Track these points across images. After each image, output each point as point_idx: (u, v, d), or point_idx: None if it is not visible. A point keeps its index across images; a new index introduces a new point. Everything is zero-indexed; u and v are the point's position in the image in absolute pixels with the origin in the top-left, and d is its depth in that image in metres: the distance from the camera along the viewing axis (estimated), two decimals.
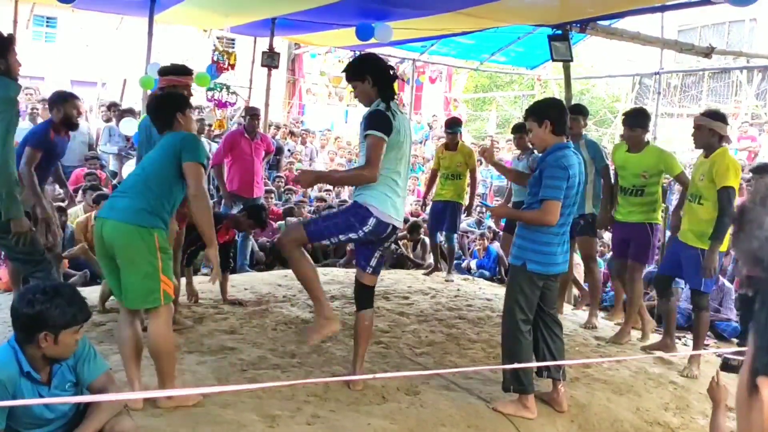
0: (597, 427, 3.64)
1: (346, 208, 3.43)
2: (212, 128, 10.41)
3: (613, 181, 5.19)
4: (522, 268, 3.44)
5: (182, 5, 7.65)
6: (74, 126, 4.74)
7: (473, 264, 8.70)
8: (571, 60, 7.50)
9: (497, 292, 6.34)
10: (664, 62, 9.91)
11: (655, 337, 5.23)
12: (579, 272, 6.81)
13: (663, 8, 7.19)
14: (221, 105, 10.16)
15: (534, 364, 3.54)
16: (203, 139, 8.01)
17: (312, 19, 8.01)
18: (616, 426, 3.68)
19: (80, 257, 6.09)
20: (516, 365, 3.29)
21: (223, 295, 5.11)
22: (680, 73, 17.26)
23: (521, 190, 5.70)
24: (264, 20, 8.53)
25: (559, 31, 7.20)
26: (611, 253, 6.08)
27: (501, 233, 7.15)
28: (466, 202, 6.87)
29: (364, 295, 3.54)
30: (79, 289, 3.47)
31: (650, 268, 6.44)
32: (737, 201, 4.40)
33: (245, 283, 5.89)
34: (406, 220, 7.26)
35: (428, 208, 7.41)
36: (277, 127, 12.44)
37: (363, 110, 3.47)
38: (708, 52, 7.90)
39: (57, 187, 6.02)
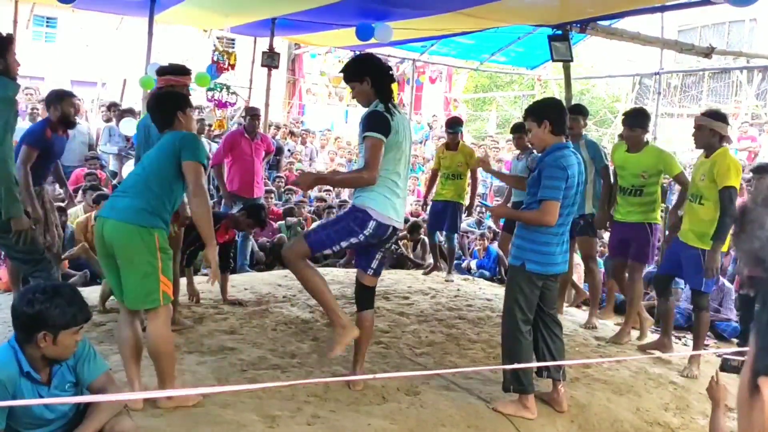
0: (597, 428, 3.64)
1: (345, 213, 3.41)
2: (212, 128, 10.41)
3: (612, 181, 5.19)
4: (521, 268, 3.44)
5: (182, 5, 7.65)
6: (72, 124, 4.74)
7: (473, 264, 8.70)
8: (571, 60, 7.51)
9: (497, 292, 6.34)
10: (664, 62, 9.90)
11: (653, 337, 5.23)
12: (579, 272, 6.82)
13: (663, 8, 7.19)
14: (221, 105, 10.16)
15: (534, 365, 3.54)
16: (203, 139, 8.02)
17: (312, 19, 8.01)
18: (616, 426, 3.68)
19: (81, 257, 6.10)
20: (516, 365, 3.29)
21: (223, 296, 5.11)
22: (680, 73, 17.26)
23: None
24: (264, 20, 8.53)
25: (559, 32, 7.21)
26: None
27: (501, 233, 7.14)
28: (466, 202, 6.87)
29: (364, 296, 3.54)
30: (79, 289, 3.46)
31: (650, 268, 6.45)
32: (738, 201, 4.40)
33: (245, 283, 5.89)
34: (406, 220, 7.25)
35: (429, 208, 7.41)
36: (277, 127, 12.43)
37: (363, 110, 3.46)
38: (708, 53, 7.90)
39: (57, 187, 6.02)
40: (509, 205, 6.17)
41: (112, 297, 4.03)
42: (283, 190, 9.72)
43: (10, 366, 2.33)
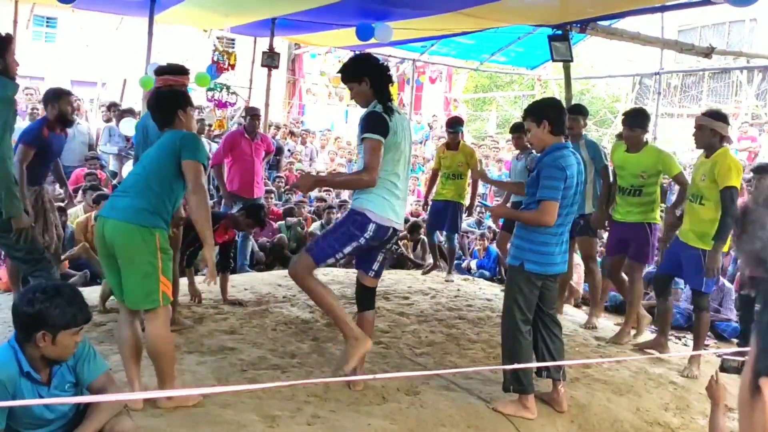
0: (597, 428, 3.64)
1: (344, 218, 3.38)
2: (212, 128, 10.41)
3: (611, 180, 5.19)
4: (520, 268, 3.44)
5: (182, 5, 7.66)
6: (69, 122, 4.74)
7: (473, 264, 8.71)
8: (571, 60, 7.51)
9: (497, 293, 6.34)
10: (664, 62, 9.92)
11: (650, 335, 5.23)
12: (579, 272, 6.81)
13: (663, 8, 7.20)
14: (221, 105, 10.16)
15: (534, 365, 3.54)
16: (203, 139, 8.01)
17: (312, 19, 8.01)
18: (616, 426, 3.68)
19: (81, 257, 6.10)
20: (516, 365, 3.29)
21: (223, 296, 5.11)
22: (680, 73, 17.28)
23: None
24: (264, 20, 8.53)
25: (559, 32, 7.21)
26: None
27: (499, 231, 7.14)
28: (466, 202, 6.86)
29: (365, 297, 3.54)
30: (80, 289, 3.46)
31: (650, 268, 6.45)
32: (739, 201, 4.40)
33: (245, 283, 5.89)
34: (406, 220, 7.26)
35: (429, 208, 7.40)
36: (277, 127, 12.43)
37: (363, 111, 3.46)
38: (708, 53, 7.90)
39: (57, 187, 6.02)
40: (508, 204, 6.16)
41: (112, 297, 4.03)
42: (283, 190, 9.72)
43: (10, 366, 2.33)
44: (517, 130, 6.19)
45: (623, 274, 5.23)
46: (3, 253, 4.97)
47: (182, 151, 3.03)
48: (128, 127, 8.22)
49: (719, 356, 4.98)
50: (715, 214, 4.25)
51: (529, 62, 11.20)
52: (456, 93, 19.72)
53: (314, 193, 9.72)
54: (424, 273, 7.07)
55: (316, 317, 4.91)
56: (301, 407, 3.22)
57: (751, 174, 6.84)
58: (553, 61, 7.74)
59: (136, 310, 3.14)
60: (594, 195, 5.31)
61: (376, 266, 3.47)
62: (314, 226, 8.45)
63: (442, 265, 7.19)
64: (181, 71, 4.23)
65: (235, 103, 10.65)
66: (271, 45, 9.08)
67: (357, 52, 8.65)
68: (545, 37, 7.47)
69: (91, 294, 4.50)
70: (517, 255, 3.48)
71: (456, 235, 6.99)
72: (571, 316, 5.82)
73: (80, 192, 6.96)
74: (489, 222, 9.26)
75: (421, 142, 14.98)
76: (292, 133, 13.07)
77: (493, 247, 8.44)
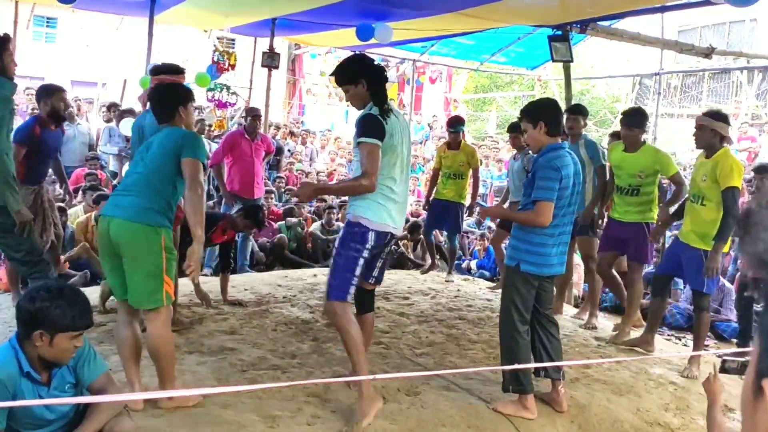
0: (597, 428, 3.64)
1: (343, 236, 3.24)
2: (212, 128, 10.41)
3: (609, 180, 5.20)
4: (516, 268, 3.44)
5: (182, 5, 7.66)
6: (62, 118, 4.73)
7: (473, 264, 8.71)
8: (572, 60, 7.51)
9: (497, 293, 6.33)
10: (664, 63, 9.92)
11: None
12: (579, 272, 6.82)
13: (663, 9, 7.19)
14: (221, 105, 10.16)
15: (533, 365, 3.54)
16: (203, 139, 8.01)
17: (312, 19, 8.01)
18: (617, 426, 3.68)
19: (81, 257, 6.09)
20: (515, 366, 3.29)
21: (223, 296, 5.11)
22: (680, 73, 17.28)
23: (518, 190, 5.71)
24: (264, 20, 8.53)
25: (560, 32, 7.21)
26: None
27: (495, 229, 7.13)
28: (467, 202, 6.86)
29: (365, 300, 3.53)
30: (80, 289, 3.46)
31: (649, 268, 6.45)
32: (739, 201, 4.40)
33: (245, 283, 5.89)
34: (406, 221, 7.26)
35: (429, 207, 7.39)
36: (277, 128, 12.43)
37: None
38: (708, 53, 7.90)
39: (57, 187, 6.02)
40: (506, 205, 6.15)
41: (112, 297, 4.03)
42: (283, 190, 9.72)
43: (10, 365, 2.33)
44: (514, 129, 6.19)
45: (614, 271, 5.24)
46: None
47: (183, 149, 3.03)
48: (128, 127, 8.20)
49: (719, 356, 4.97)
50: (716, 214, 4.25)
51: (529, 62, 11.19)
52: (456, 93, 19.73)
53: None
54: (422, 273, 7.07)
55: (316, 317, 4.91)
56: (301, 407, 3.22)
57: (752, 174, 6.84)
58: (553, 61, 7.74)
59: (135, 311, 3.13)
60: (593, 195, 5.31)
61: (376, 272, 3.43)
62: (314, 227, 8.45)
63: (440, 265, 7.18)
64: (176, 71, 4.22)
65: (235, 104, 10.65)
66: (271, 45, 9.08)
67: (356, 53, 8.66)
68: (545, 38, 7.47)
69: (92, 294, 4.48)
70: (513, 256, 3.48)
71: (457, 235, 6.99)
72: (571, 317, 5.81)
73: (80, 192, 6.96)
74: (489, 222, 9.26)
75: (421, 143, 14.98)
76: (292, 134, 13.07)
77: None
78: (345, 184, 3.94)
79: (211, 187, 8.34)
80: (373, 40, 7.96)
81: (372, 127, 3.11)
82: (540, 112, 3.48)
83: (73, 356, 2.42)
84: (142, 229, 2.93)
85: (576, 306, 6.49)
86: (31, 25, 13.94)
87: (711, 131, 4.32)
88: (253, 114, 6.95)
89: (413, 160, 9.77)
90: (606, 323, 5.70)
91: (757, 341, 0.73)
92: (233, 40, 12.09)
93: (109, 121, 9.18)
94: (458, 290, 6.42)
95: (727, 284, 7.11)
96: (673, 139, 14.72)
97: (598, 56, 20.61)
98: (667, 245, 6.45)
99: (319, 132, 14.48)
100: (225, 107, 10.36)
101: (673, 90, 18.41)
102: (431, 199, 6.83)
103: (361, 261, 3.19)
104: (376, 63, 3.44)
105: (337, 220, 8.38)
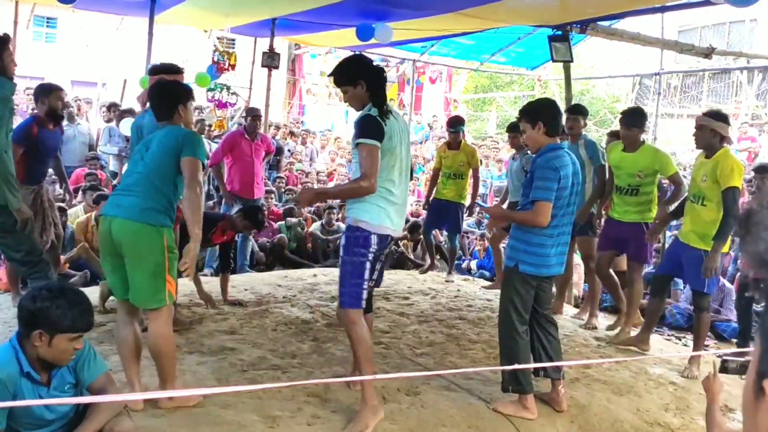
0: (597, 428, 3.64)
1: (346, 243, 3.20)
2: (212, 128, 10.41)
3: (607, 179, 5.20)
4: (515, 269, 3.45)
5: (182, 5, 7.65)
6: (60, 117, 4.72)
7: (473, 264, 8.71)
8: (572, 60, 7.51)
9: (497, 293, 6.32)
10: (664, 63, 9.91)
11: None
12: (579, 272, 6.82)
13: (663, 9, 7.19)
14: (221, 105, 10.16)
15: (532, 365, 3.54)
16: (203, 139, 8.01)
17: (312, 19, 8.01)
18: (617, 426, 3.68)
19: (81, 257, 6.09)
20: (515, 366, 3.29)
21: (223, 296, 5.10)
22: (680, 73, 17.28)
23: (517, 190, 5.71)
24: (264, 20, 8.53)
25: (560, 32, 7.21)
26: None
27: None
28: (466, 202, 6.86)
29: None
30: (80, 289, 3.46)
31: (649, 268, 6.45)
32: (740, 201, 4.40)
33: (245, 283, 5.89)
34: (406, 221, 7.26)
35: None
36: (277, 128, 12.43)
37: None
38: (708, 53, 7.90)
39: (57, 187, 6.02)
40: (505, 205, 6.15)
41: (111, 297, 4.03)
42: (283, 190, 9.72)
43: (10, 365, 2.33)
44: (513, 129, 6.19)
45: (611, 271, 5.24)
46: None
47: (183, 147, 3.02)
48: (128, 127, 8.19)
49: (719, 356, 4.97)
50: (716, 214, 4.25)
51: (529, 63, 11.19)
52: (456, 93, 19.72)
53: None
54: (421, 273, 7.07)
55: (316, 317, 4.91)
56: (301, 407, 3.22)
57: (752, 174, 6.84)
58: (553, 61, 7.74)
59: (135, 311, 3.14)
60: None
61: (375, 275, 3.42)
62: (314, 227, 8.45)
63: (439, 265, 7.18)
64: (174, 70, 4.21)
65: (235, 104, 10.65)
66: (271, 45, 9.08)
67: (355, 53, 8.66)
68: (545, 38, 7.47)
69: (91, 294, 4.47)
70: (512, 256, 3.49)
71: (458, 235, 6.99)
72: (571, 317, 5.81)
73: (80, 192, 6.96)
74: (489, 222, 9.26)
75: (421, 143, 14.99)
76: (292, 134, 13.08)
77: None
78: (344, 187, 3.86)
79: (211, 187, 8.35)
80: (373, 40, 7.96)
81: (371, 128, 3.08)
82: (538, 112, 3.48)
83: (72, 358, 2.42)
84: (145, 229, 2.93)
85: (576, 306, 6.49)
86: (31, 25, 13.93)
87: (711, 131, 4.32)
88: (253, 114, 6.95)
89: (413, 160, 9.78)
90: (606, 323, 5.69)
91: (758, 342, 0.73)
92: (233, 40, 12.09)
93: (109, 121, 9.18)
94: (458, 290, 6.42)
95: (727, 284, 7.11)
96: (673, 139, 14.72)
97: (598, 56, 20.61)
98: (667, 245, 6.46)
99: (319, 132, 14.48)
100: (225, 107, 10.36)
101: (673, 90, 18.42)
102: (431, 198, 6.83)
103: (368, 265, 3.16)
104: (375, 64, 3.41)
105: (337, 220, 8.38)
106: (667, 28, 9.18)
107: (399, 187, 3.22)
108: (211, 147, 8.37)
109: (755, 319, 5.76)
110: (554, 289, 5.13)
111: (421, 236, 8.05)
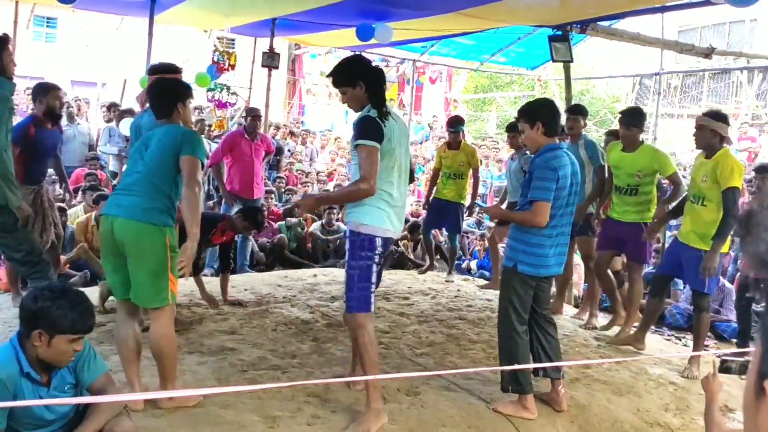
0: (597, 428, 3.64)
1: (350, 248, 3.17)
2: (212, 128, 10.41)
3: (606, 179, 5.20)
4: (513, 269, 3.45)
5: (182, 5, 7.65)
6: (58, 117, 4.71)
7: (473, 264, 8.71)
8: (572, 60, 7.51)
9: (497, 293, 6.32)
10: (664, 63, 9.91)
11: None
12: (579, 272, 6.81)
13: (663, 9, 7.19)
14: (221, 105, 10.15)
15: (532, 366, 3.54)
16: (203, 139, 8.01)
17: (312, 19, 8.01)
18: (617, 426, 3.68)
19: (81, 257, 6.09)
20: (514, 366, 3.29)
21: (223, 296, 5.10)
22: (680, 73, 17.28)
23: (516, 190, 5.71)
24: (264, 21, 8.53)
25: (560, 32, 7.21)
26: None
27: (494, 227, 7.12)
28: (466, 202, 6.86)
29: None
30: (80, 289, 3.46)
31: (649, 268, 6.45)
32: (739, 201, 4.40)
33: (245, 283, 5.89)
34: (406, 221, 7.26)
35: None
36: (277, 128, 12.43)
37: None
38: (708, 53, 7.89)
39: (57, 187, 6.02)
40: (504, 205, 6.14)
41: (111, 297, 4.03)
42: (283, 190, 9.72)
43: (10, 365, 2.33)
44: (512, 129, 6.18)
45: (610, 272, 5.24)
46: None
47: (182, 146, 3.02)
48: (128, 127, 8.20)
49: (719, 356, 4.97)
50: (716, 215, 4.24)
51: (529, 63, 11.19)
52: (456, 93, 19.71)
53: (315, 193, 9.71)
54: (420, 273, 7.07)
55: (316, 317, 4.91)
56: (301, 407, 3.22)
57: (753, 174, 6.84)
58: (553, 61, 7.74)
59: (135, 311, 3.14)
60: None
61: (373, 278, 3.42)
62: (314, 227, 8.45)
63: (439, 265, 7.18)
64: (173, 70, 4.21)
65: (235, 104, 10.64)
66: (271, 45, 9.08)
67: (354, 53, 8.66)
68: (545, 38, 7.47)
69: (91, 294, 4.47)
70: (511, 256, 3.49)
71: (458, 235, 6.99)
72: (571, 317, 5.81)
73: (80, 192, 6.96)
74: (489, 222, 9.26)
75: (421, 143, 14.98)
76: (292, 134, 13.07)
77: None
78: (344, 190, 3.82)
79: (211, 187, 8.34)
80: (373, 40, 7.96)
81: (370, 130, 3.05)
82: (537, 112, 3.48)
83: (71, 360, 2.41)
84: (147, 229, 2.93)
85: (576, 306, 6.48)
86: (31, 25, 13.93)
87: (711, 131, 4.32)
88: (253, 114, 6.95)
89: (413, 160, 9.78)
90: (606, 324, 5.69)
91: (759, 342, 0.73)
92: (233, 40, 12.09)
93: (109, 121, 9.18)
94: (458, 290, 6.42)
95: (727, 284, 7.11)
96: (673, 139, 14.73)
97: (598, 56, 20.60)
98: (667, 245, 6.46)
99: (319, 132, 14.47)
100: (225, 107, 10.36)
101: (673, 90, 18.42)
102: (431, 198, 6.83)
103: (374, 267, 3.14)
104: (374, 64, 3.40)
105: (337, 220, 8.38)
106: (667, 28, 9.18)
107: (398, 189, 3.21)
108: (210, 147, 8.37)
109: (755, 319, 5.76)
110: (554, 289, 5.15)
111: (421, 236, 8.05)
